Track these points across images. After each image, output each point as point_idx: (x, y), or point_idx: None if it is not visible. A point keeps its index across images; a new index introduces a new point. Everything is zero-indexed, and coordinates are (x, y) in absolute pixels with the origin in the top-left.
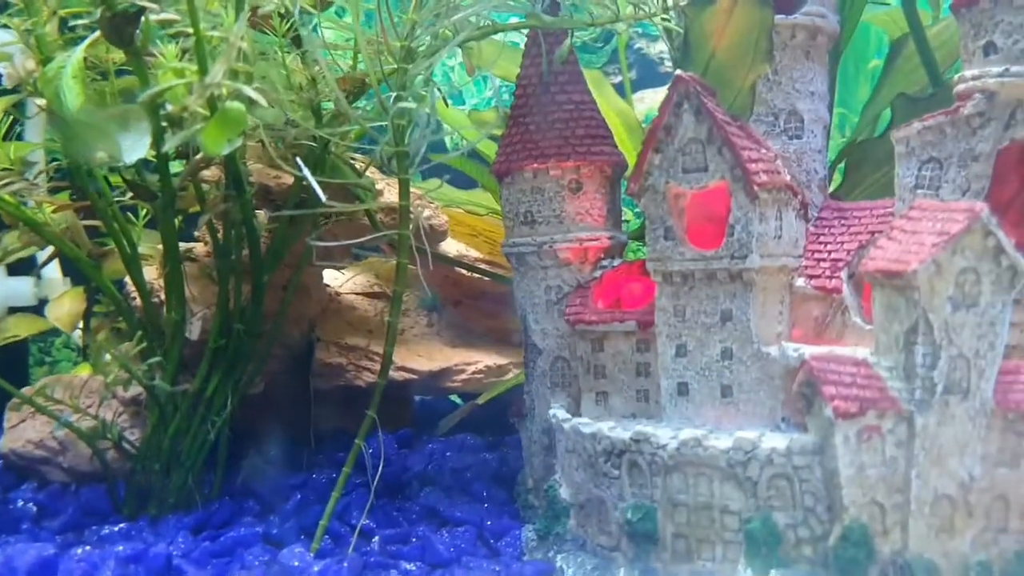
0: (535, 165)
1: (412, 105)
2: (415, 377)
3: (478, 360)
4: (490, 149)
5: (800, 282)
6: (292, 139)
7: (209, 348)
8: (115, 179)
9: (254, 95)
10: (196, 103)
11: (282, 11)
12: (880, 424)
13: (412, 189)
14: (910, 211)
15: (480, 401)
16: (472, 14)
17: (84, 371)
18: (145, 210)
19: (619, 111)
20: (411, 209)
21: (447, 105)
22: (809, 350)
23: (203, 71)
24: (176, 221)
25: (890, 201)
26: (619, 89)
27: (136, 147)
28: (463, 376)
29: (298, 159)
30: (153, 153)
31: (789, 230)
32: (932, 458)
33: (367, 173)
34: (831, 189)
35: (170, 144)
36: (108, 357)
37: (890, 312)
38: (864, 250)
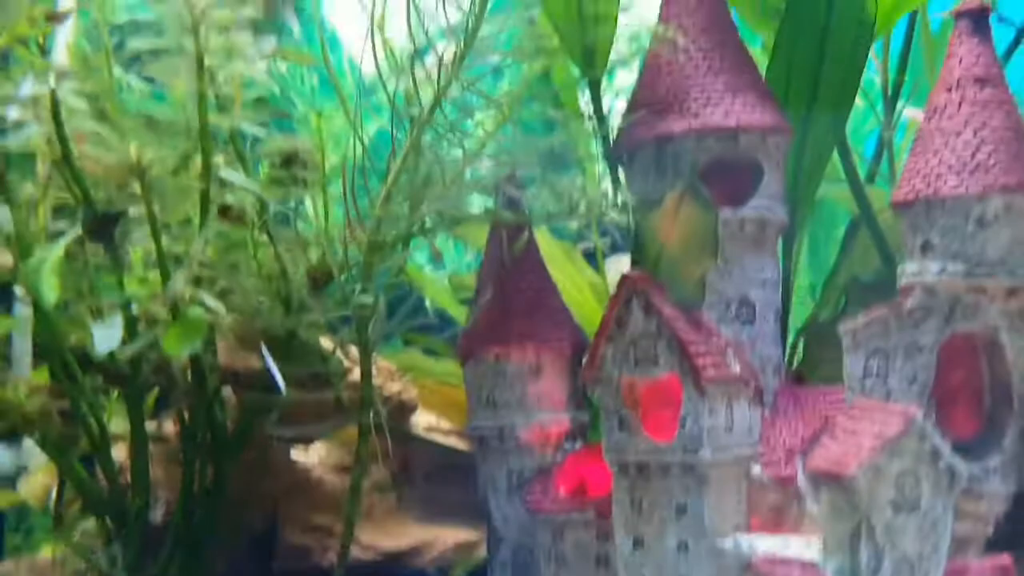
0: (497, 349)
1: (368, 300)
2: (381, 558)
3: (448, 537)
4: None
5: (756, 470)
6: (260, 326)
7: (171, 533)
8: None
9: (214, 304)
10: (159, 309)
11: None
12: None
13: (383, 363)
14: (851, 409)
15: None
16: (436, 209)
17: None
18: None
19: (590, 282)
20: (380, 386)
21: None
22: (762, 544)
23: (165, 279)
24: (150, 397)
25: (843, 388)
26: (591, 256)
27: (108, 339)
28: (432, 554)
29: (264, 347)
30: None
31: (742, 420)
32: None
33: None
34: (799, 360)
35: (133, 347)
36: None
37: (834, 512)
38: (818, 437)
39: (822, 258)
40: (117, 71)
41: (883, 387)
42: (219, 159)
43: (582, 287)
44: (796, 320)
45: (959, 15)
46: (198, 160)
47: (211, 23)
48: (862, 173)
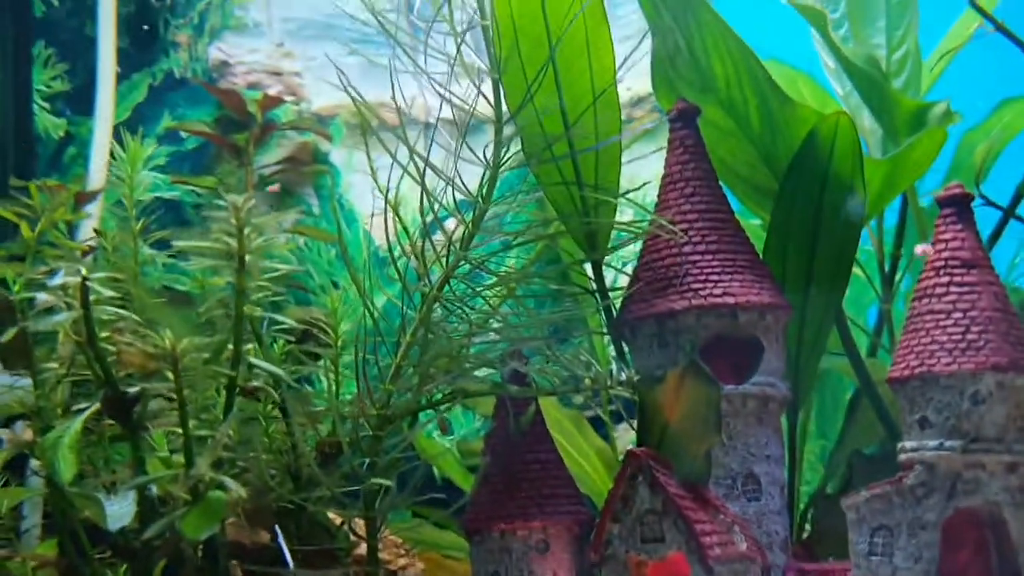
0: (502, 525)
1: (387, 482)
2: None
3: None
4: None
5: None
6: (270, 501)
7: None
8: None
9: (234, 486)
10: (179, 490)
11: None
12: None
13: (390, 537)
14: None
15: None
16: (444, 383)
17: None
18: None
19: (598, 449)
20: (386, 561)
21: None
22: None
23: (189, 464)
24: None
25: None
26: (598, 424)
27: (121, 516)
28: None
29: (276, 526)
30: None
31: None
32: None
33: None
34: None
35: (154, 530)
36: None
37: None
38: None
39: (830, 424)
40: (143, 248)
41: (889, 565)
42: (250, 347)
43: (590, 455)
44: (809, 487)
45: (943, 201)
46: (229, 347)
47: (255, 226)
48: (865, 346)
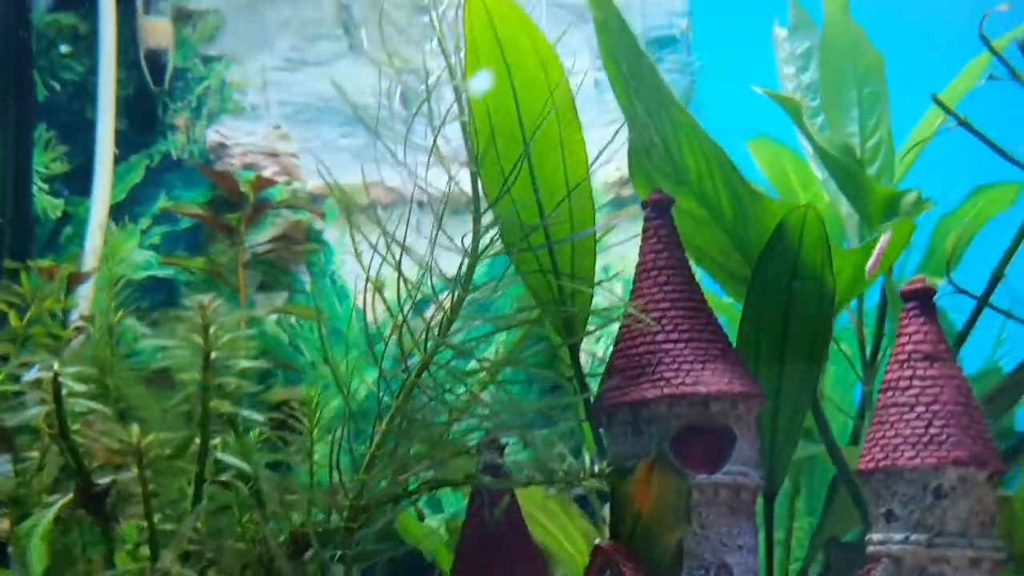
0: None
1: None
2: None
3: None
4: None
5: None
6: None
7: None
8: None
9: None
10: None
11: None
12: None
13: None
14: None
15: None
16: (422, 470)
17: None
18: None
19: (583, 531)
20: None
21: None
22: None
23: (155, 556)
24: None
25: None
26: (585, 504)
27: None
28: None
29: None
30: None
31: None
32: None
33: None
34: None
35: None
36: None
37: None
38: None
39: (817, 501)
40: (132, 325)
41: None
42: (216, 442)
43: (575, 538)
44: (797, 563)
45: (905, 296)
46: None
47: (221, 324)
48: (848, 428)
